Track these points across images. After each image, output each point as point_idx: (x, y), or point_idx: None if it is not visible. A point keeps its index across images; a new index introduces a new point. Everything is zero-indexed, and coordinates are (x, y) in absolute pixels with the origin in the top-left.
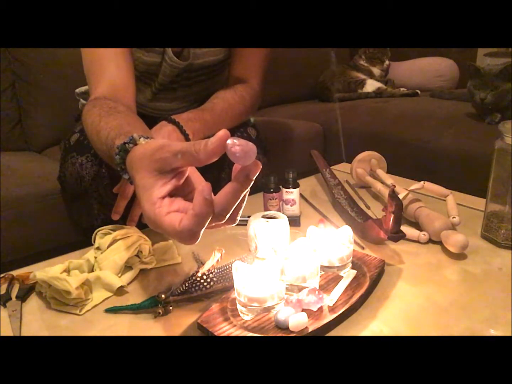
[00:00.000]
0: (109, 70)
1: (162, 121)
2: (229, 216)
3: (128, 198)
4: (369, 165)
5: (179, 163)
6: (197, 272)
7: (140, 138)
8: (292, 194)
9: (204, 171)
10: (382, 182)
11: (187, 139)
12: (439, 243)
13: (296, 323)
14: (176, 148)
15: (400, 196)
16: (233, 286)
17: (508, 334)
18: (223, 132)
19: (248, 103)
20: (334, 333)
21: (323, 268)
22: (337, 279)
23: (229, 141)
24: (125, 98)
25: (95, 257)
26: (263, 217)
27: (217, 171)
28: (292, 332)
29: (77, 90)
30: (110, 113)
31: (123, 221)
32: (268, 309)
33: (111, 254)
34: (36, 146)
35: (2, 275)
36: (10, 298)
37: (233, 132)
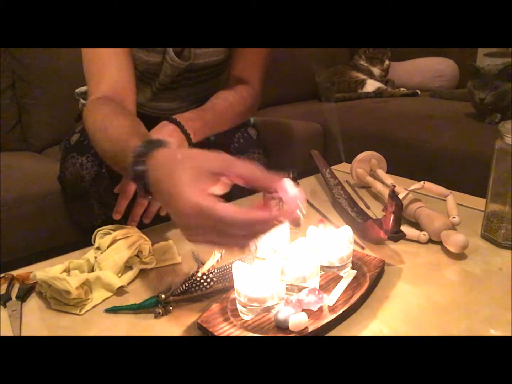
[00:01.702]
0: (110, 70)
1: (164, 120)
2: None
3: (129, 198)
4: (369, 165)
5: (239, 181)
6: (197, 272)
7: (173, 145)
8: None
9: None
10: (382, 182)
11: (188, 138)
12: (439, 243)
13: (296, 323)
14: (247, 170)
15: (400, 196)
16: (233, 286)
17: (508, 334)
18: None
19: (249, 103)
20: (334, 333)
21: (323, 268)
22: (337, 279)
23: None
24: (126, 99)
25: (95, 257)
26: None
27: None
28: (292, 332)
29: (77, 90)
30: (118, 112)
31: (124, 221)
32: (268, 309)
33: (111, 254)
34: (36, 146)
35: (2, 275)
36: (10, 298)
37: (234, 132)
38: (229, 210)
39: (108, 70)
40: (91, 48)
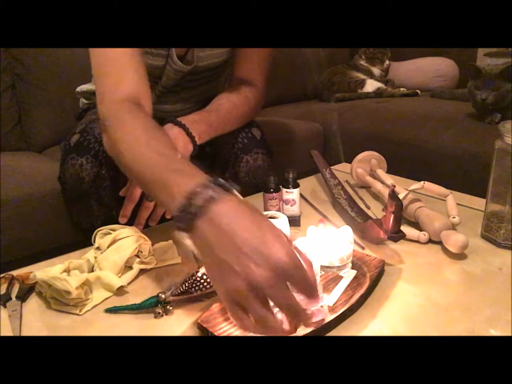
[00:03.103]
0: (129, 72)
1: (168, 123)
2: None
3: (135, 202)
4: (369, 165)
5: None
6: (197, 272)
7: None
8: (292, 194)
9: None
10: (382, 182)
11: (192, 141)
12: (439, 243)
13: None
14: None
15: (400, 196)
16: None
17: (508, 334)
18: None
19: (253, 103)
20: (334, 333)
21: (323, 268)
22: (337, 279)
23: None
24: (146, 105)
25: (95, 257)
26: None
27: (222, 171)
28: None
29: (78, 89)
30: (151, 136)
31: (129, 224)
32: None
33: (111, 254)
34: (36, 146)
35: (2, 275)
36: (10, 298)
37: (238, 133)
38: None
39: (127, 72)
40: (104, 49)
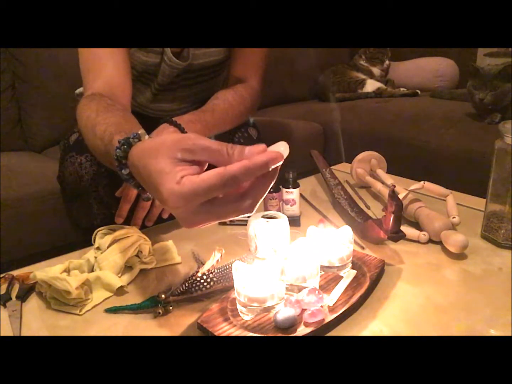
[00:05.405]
0: (107, 68)
1: (164, 123)
2: (249, 203)
3: (131, 202)
4: (369, 165)
5: (204, 157)
6: (197, 272)
7: (145, 136)
8: (292, 194)
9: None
10: (382, 182)
11: None
12: (439, 243)
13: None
14: (205, 143)
15: (400, 196)
16: (233, 286)
17: (508, 334)
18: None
19: (248, 103)
20: (334, 333)
21: (323, 268)
22: (337, 279)
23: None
24: (122, 97)
25: (95, 257)
26: (263, 217)
27: None
28: (292, 332)
29: (77, 91)
30: (108, 109)
31: (126, 224)
32: (268, 309)
33: (111, 254)
34: (36, 146)
35: (2, 275)
36: (10, 298)
37: (234, 133)
38: (205, 177)
39: (104, 68)
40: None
